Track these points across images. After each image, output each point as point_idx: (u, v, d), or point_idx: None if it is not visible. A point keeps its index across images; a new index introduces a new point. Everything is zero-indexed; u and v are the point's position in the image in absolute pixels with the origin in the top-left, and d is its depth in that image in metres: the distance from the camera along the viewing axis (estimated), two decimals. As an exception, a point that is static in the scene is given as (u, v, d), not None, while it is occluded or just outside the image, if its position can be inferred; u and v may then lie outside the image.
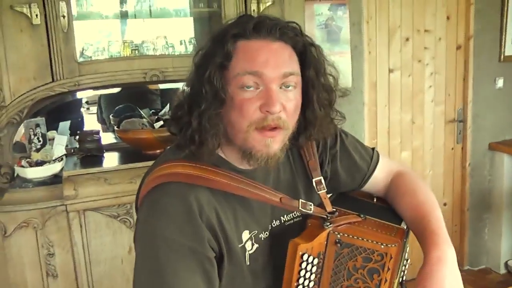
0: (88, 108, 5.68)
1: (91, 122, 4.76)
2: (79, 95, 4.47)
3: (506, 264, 3.79)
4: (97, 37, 2.92)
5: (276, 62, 1.06)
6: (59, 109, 3.79)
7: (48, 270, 2.35)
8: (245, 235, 1.15)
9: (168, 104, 3.14)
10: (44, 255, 2.34)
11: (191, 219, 1.04)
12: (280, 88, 1.07)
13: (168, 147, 1.24)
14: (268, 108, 1.04)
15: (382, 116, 3.38)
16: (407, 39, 3.36)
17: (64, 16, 2.35)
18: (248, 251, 1.16)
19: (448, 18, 3.44)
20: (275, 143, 1.08)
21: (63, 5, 2.34)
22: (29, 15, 2.30)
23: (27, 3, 2.29)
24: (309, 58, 1.13)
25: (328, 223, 1.16)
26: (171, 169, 1.10)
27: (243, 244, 1.15)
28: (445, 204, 3.70)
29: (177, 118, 1.12)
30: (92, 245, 2.37)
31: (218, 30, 1.11)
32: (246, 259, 1.16)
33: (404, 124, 3.46)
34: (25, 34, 2.32)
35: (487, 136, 3.70)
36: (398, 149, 3.48)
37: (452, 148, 3.66)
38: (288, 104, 1.08)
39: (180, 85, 1.19)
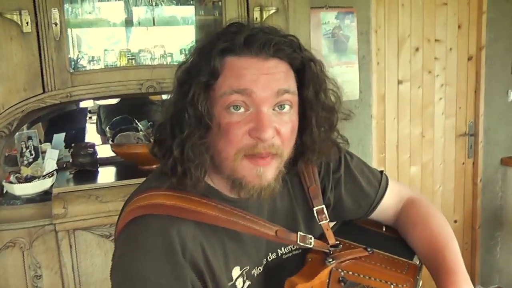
0: (90, 117, 5.57)
1: (93, 132, 4.65)
2: (82, 104, 4.36)
3: (519, 283, 3.67)
4: (104, 45, 2.81)
5: (268, 81, 0.93)
6: (63, 118, 3.68)
7: (35, 292, 2.24)
8: (236, 271, 1.02)
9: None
10: (31, 277, 2.21)
11: (172, 258, 0.91)
12: (274, 110, 0.94)
13: (153, 171, 1.11)
14: (258, 134, 0.91)
15: (390, 130, 3.29)
16: (417, 49, 3.29)
17: (56, 24, 2.23)
18: None
19: (459, 27, 3.37)
20: (268, 172, 0.94)
21: (55, 12, 2.22)
22: (19, 22, 2.19)
23: (17, 10, 2.18)
24: (308, 75, 0.99)
25: (331, 259, 1.04)
26: (153, 199, 0.97)
27: (233, 282, 1.02)
28: (455, 221, 3.60)
29: (159, 141, 1.00)
30: (82, 266, 2.24)
31: (204, 42, 0.97)
32: None
33: (413, 137, 3.38)
34: (15, 43, 2.21)
35: (499, 150, 3.62)
36: (407, 164, 3.39)
37: (463, 163, 3.57)
38: (282, 128, 0.94)
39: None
